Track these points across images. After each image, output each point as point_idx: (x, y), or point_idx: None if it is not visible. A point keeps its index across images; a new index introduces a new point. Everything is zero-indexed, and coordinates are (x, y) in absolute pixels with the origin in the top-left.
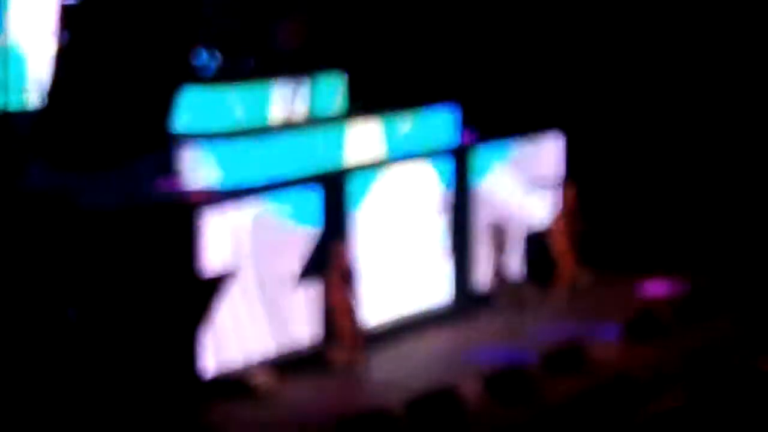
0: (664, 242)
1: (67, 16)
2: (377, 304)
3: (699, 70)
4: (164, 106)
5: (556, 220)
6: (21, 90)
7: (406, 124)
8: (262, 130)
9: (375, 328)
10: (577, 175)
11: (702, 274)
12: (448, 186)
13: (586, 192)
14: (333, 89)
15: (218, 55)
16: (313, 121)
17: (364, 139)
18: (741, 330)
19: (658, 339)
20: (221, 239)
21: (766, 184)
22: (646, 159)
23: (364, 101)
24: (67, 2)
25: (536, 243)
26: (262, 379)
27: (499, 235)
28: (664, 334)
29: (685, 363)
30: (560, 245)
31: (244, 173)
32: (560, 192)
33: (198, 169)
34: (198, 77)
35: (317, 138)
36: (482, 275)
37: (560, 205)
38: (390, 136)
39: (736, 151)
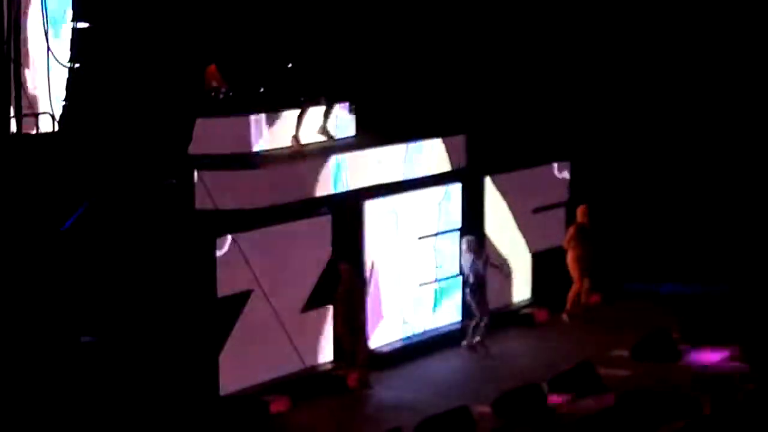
0: (672, 262)
1: (80, 39)
2: (388, 325)
3: (699, 99)
4: (179, 131)
5: (568, 241)
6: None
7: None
8: (277, 155)
9: (386, 349)
10: (585, 199)
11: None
12: (460, 209)
13: (594, 215)
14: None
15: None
16: (325, 144)
17: (376, 163)
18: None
19: (669, 359)
20: (237, 261)
21: None
22: (652, 182)
23: (373, 129)
24: (79, 26)
25: (545, 264)
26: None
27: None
28: (676, 355)
29: (696, 383)
30: (572, 266)
31: (258, 197)
32: (573, 212)
33: (214, 192)
34: (210, 103)
35: (328, 162)
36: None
37: (572, 226)
38: (403, 161)
39: (738, 174)
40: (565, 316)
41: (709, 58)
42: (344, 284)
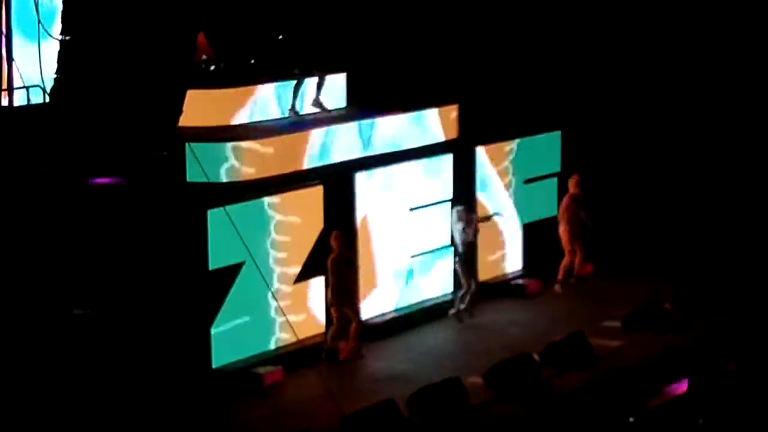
0: (663, 238)
1: (70, 11)
2: (380, 297)
3: (692, 72)
4: (170, 104)
5: (561, 212)
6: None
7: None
8: (269, 126)
9: (378, 320)
10: (578, 170)
11: (701, 271)
12: (452, 181)
13: (586, 187)
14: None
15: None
16: (319, 116)
17: (367, 135)
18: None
19: (661, 330)
20: (228, 234)
21: (763, 181)
22: (645, 156)
23: (365, 100)
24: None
25: (537, 235)
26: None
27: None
28: (667, 326)
29: (688, 354)
30: (565, 236)
31: (251, 168)
32: (565, 183)
33: (205, 165)
34: (200, 76)
35: (326, 135)
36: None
37: (566, 197)
38: (396, 133)
39: (731, 150)
40: (557, 287)
41: (705, 33)
42: (335, 254)
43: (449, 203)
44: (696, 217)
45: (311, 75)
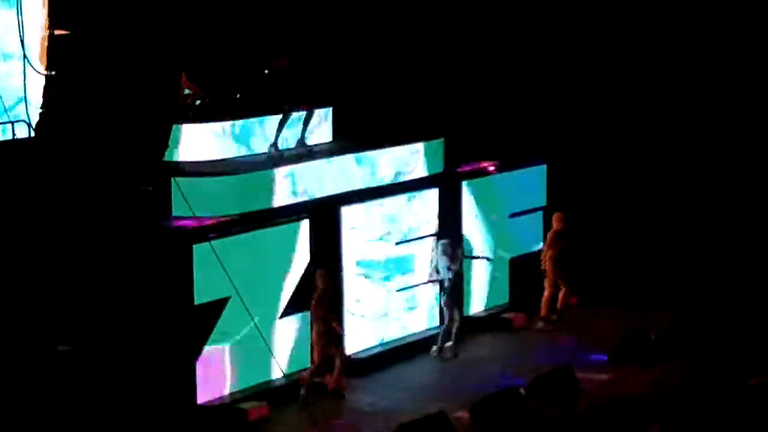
0: (650, 270)
1: (56, 46)
2: (365, 332)
3: (673, 109)
4: (155, 139)
5: (546, 247)
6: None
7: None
8: (254, 162)
9: (362, 355)
10: (564, 204)
11: (687, 302)
12: (438, 214)
13: (572, 220)
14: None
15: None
16: (303, 153)
17: (353, 169)
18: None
19: (647, 363)
20: (214, 268)
21: (745, 208)
22: (631, 188)
23: (350, 134)
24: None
25: (523, 269)
26: None
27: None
28: (653, 359)
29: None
30: (549, 272)
31: (235, 203)
32: (550, 218)
33: (190, 199)
34: (185, 112)
35: (308, 170)
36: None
37: (550, 232)
38: (381, 166)
39: (714, 182)
40: (540, 324)
41: (686, 66)
42: (320, 290)
43: (434, 237)
44: (681, 248)
45: (298, 110)
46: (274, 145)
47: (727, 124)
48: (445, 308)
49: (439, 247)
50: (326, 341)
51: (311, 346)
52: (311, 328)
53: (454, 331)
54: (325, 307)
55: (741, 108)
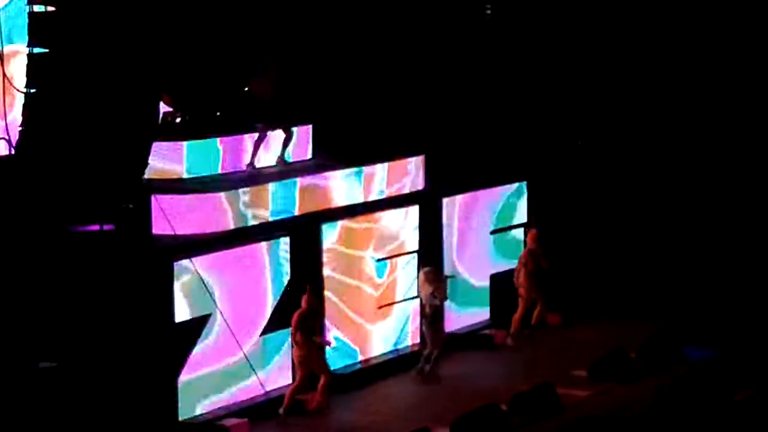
0: (628, 285)
1: (36, 65)
2: (346, 348)
3: (652, 124)
4: (135, 156)
5: (521, 263)
6: None
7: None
8: (237, 178)
9: (344, 372)
10: (542, 221)
11: (665, 314)
12: (418, 231)
13: (551, 237)
14: None
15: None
16: (284, 168)
17: (334, 186)
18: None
19: (627, 379)
20: (194, 285)
21: (725, 224)
22: (610, 204)
23: (331, 152)
24: (36, 51)
25: (504, 286)
26: None
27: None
28: (633, 375)
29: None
30: (523, 289)
31: (215, 220)
32: (531, 236)
33: (169, 216)
34: (163, 129)
35: (288, 186)
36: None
37: (525, 248)
38: (360, 184)
39: (694, 197)
40: (509, 340)
41: (668, 82)
42: (304, 309)
43: (415, 254)
44: (662, 264)
45: (275, 128)
46: (251, 164)
47: (704, 143)
48: (426, 335)
49: (421, 276)
50: (309, 359)
51: (293, 363)
52: (293, 346)
53: (435, 356)
54: (309, 325)
55: (717, 130)
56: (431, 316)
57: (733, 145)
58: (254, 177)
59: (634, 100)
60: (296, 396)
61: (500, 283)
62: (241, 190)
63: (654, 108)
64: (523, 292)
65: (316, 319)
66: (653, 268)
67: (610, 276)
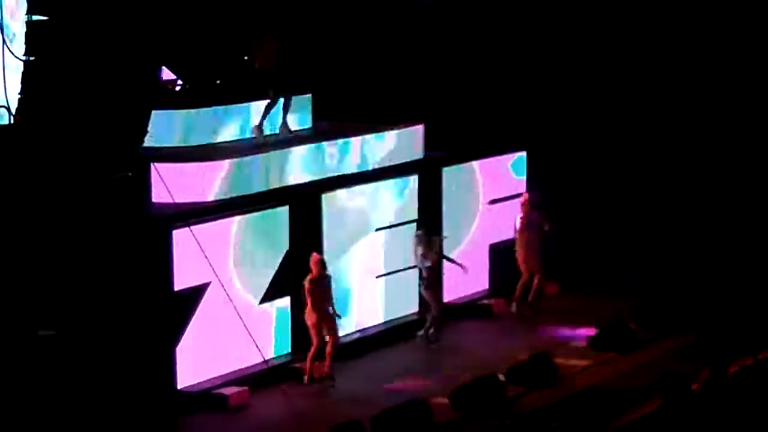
0: (627, 254)
1: (35, 32)
2: (345, 317)
3: (654, 94)
4: (134, 124)
5: (520, 232)
6: None
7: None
8: (237, 147)
9: (343, 341)
10: (541, 190)
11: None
12: (418, 201)
13: (550, 206)
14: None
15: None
16: (286, 137)
17: (335, 155)
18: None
19: (626, 349)
20: (194, 254)
21: (726, 196)
22: (611, 174)
23: (330, 120)
24: (35, 18)
25: (501, 255)
26: None
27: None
28: (633, 345)
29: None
30: (521, 258)
31: (216, 188)
32: (523, 204)
33: (169, 185)
34: (165, 98)
35: (289, 155)
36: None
37: (523, 217)
38: (362, 153)
39: (695, 169)
40: (513, 306)
41: (666, 61)
42: (313, 275)
43: (415, 224)
44: (661, 234)
45: (281, 96)
46: (258, 127)
47: (707, 119)
48: (425, 297)
49: (414, 238)
50: (320, 323)
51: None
52: (305, 313)
53: (435, 317)
54: (318, 292)
55: (723, 106)
56: (427, 279)
57: (735, 130)
58: (260, 145)
59: (638, 71)
60: (314, 362)
61: (499, 253)
62: (244, 158)
63: (657, 82)
64: (521, 261)
65: (326, 284)
66: (653, 239)
67: (610, 245)
